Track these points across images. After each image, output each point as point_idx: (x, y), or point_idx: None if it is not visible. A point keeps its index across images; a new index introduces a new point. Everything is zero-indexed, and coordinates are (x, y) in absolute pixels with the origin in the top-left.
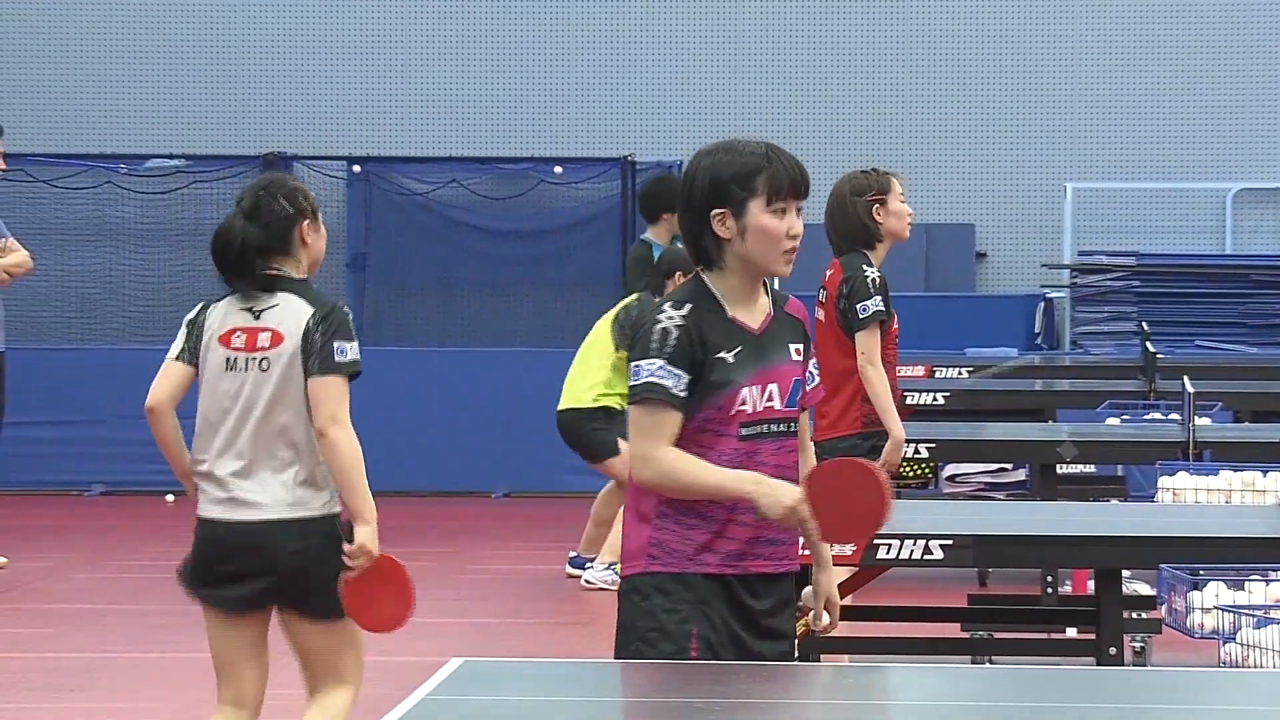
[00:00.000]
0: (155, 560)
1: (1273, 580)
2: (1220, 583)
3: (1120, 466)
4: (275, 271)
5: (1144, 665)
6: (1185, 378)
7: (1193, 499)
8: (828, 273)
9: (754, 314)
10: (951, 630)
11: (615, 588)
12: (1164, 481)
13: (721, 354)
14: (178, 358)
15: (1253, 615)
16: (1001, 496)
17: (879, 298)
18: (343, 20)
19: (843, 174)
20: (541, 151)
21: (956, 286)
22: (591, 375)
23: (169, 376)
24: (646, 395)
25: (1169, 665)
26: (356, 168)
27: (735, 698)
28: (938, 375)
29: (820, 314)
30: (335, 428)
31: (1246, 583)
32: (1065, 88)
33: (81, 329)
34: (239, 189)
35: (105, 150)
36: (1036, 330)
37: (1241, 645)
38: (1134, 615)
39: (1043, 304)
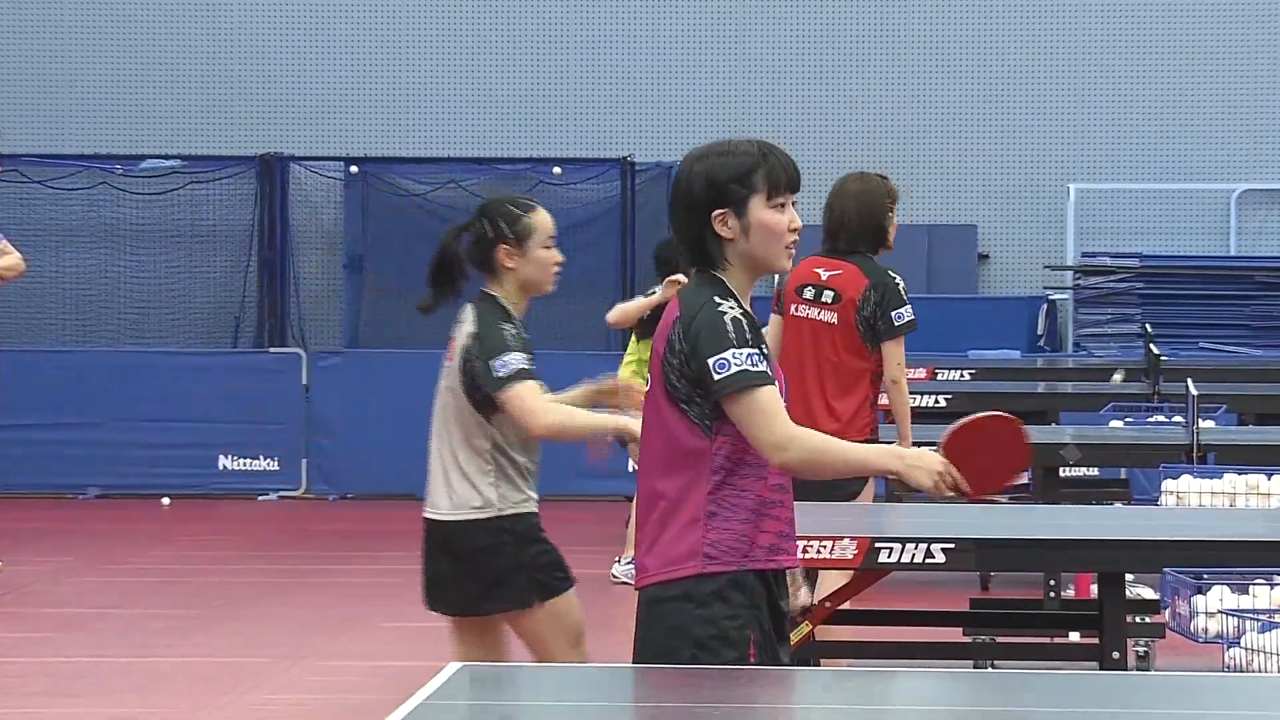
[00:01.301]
0: (153, 564)
1: (1277, 584)
2: (1224, 587)
3: (1123, 469)
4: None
5: (1147, 670)
6: (1189, 380)
7: (1196, 502)
8: (827, 272)
9: (749, 307)
10: (953, 635)
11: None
12: (1167, 485)
13: (762, 345)
14: None
15: (1257, 620)
16: (1004, 500)
17: (910, 306)
18: (340, 19)
19: (843, 174)
20: (540, 152)
21: (958, 288)
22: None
23: None
24: (752, 382)
25: (1172, 670)
26: (354, 168)
27: (737, 702)
28: (940, 377)
29: (821, 314)
30: (533, 424)
31: (1251, 587)
32: (1069, 87)
33: (77, 331)
34: (236, 190)
35: (101, 150)
36: (1039, 332)
37: (1246, 650)
38: (1137, 620)
39: (1045, 306)
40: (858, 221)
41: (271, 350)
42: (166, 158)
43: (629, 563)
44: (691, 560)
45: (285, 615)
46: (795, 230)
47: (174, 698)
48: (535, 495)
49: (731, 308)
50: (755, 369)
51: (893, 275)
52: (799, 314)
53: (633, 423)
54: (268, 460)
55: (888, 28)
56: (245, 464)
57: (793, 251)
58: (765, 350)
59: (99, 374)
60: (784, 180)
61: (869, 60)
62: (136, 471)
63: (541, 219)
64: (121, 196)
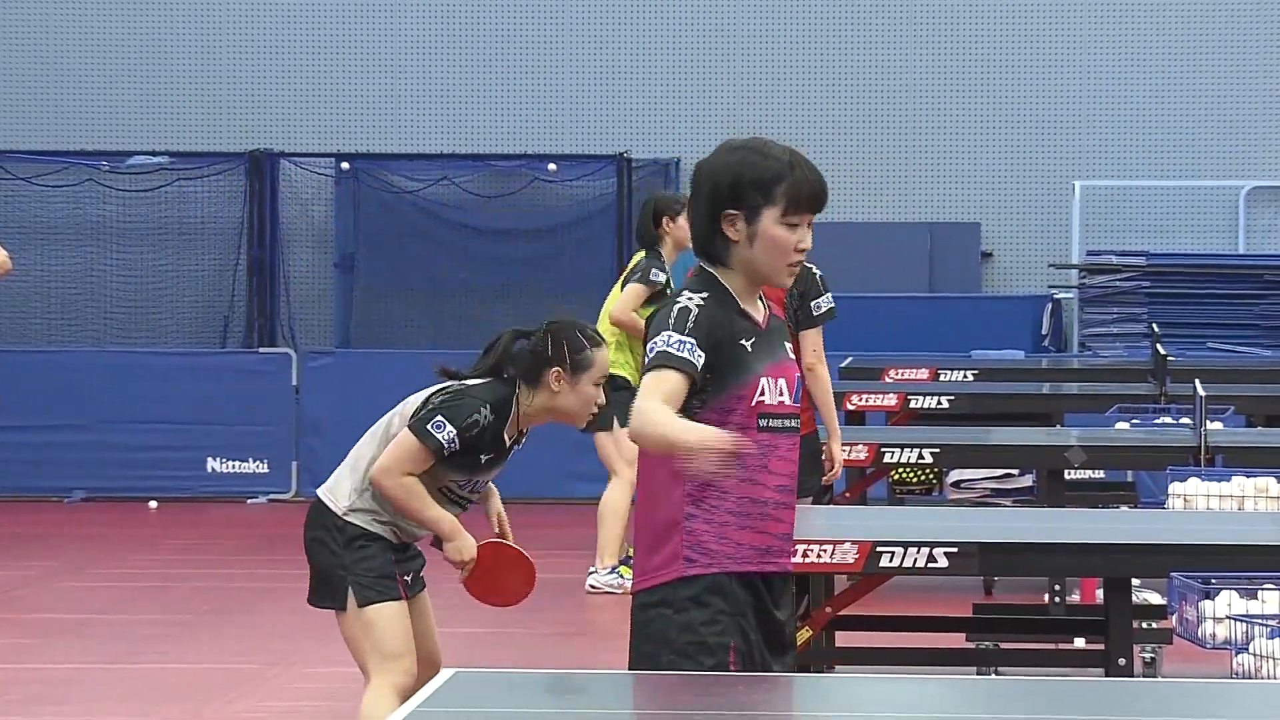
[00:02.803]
0: (140, 569)
1: None
2: (1233, 592)
3: (1130, 472)
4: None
5: (1154, 676)
6: (1197, 381)
7: (1204, 505)
8: None
9: (757, 309)
10: (956, 640)
11: (621, 591)
12: (1175, 487)
13: (741, 341)
14: None
15: (1266, 625)
16: (1008, 503)
17: (829, 295)
18: (331, 13)
19: (845, 174)
20: (535, 148)
21: (961, 287)
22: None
23: None
24: (656, 363)
25: (1180, 676)
26: (345, 165)
27: (736, 709)
28: (942, 378)
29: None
30: (385, 477)
31: (1260, 592)
32: (1073, 82)
33: (62, 330)
34: (225, 186)
35: (87, 147)
36: (1044, 332)
37: (1254, 656)
38: (1144, 625)
39: (1050, 305)
40: None
41: (261, 350)
42: (154, 154)
43: (608, 571)
44: (673, 564)
45: (276, 621)
46: (802, 251)
47: (162, 706)
48: (402, 531)
49: (690, 299)
50: (671, 351)
51: (811, 268)
52: None
53: (457, 542)
54: (257, 462)
55: (889, 22)
56: (234, 466)
57: (795, 270)
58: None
59: (84, 374)
60: (804, 200)
61: (870, 55)
62: (123, 474)
63: (602, 357)
64: (108, 193)
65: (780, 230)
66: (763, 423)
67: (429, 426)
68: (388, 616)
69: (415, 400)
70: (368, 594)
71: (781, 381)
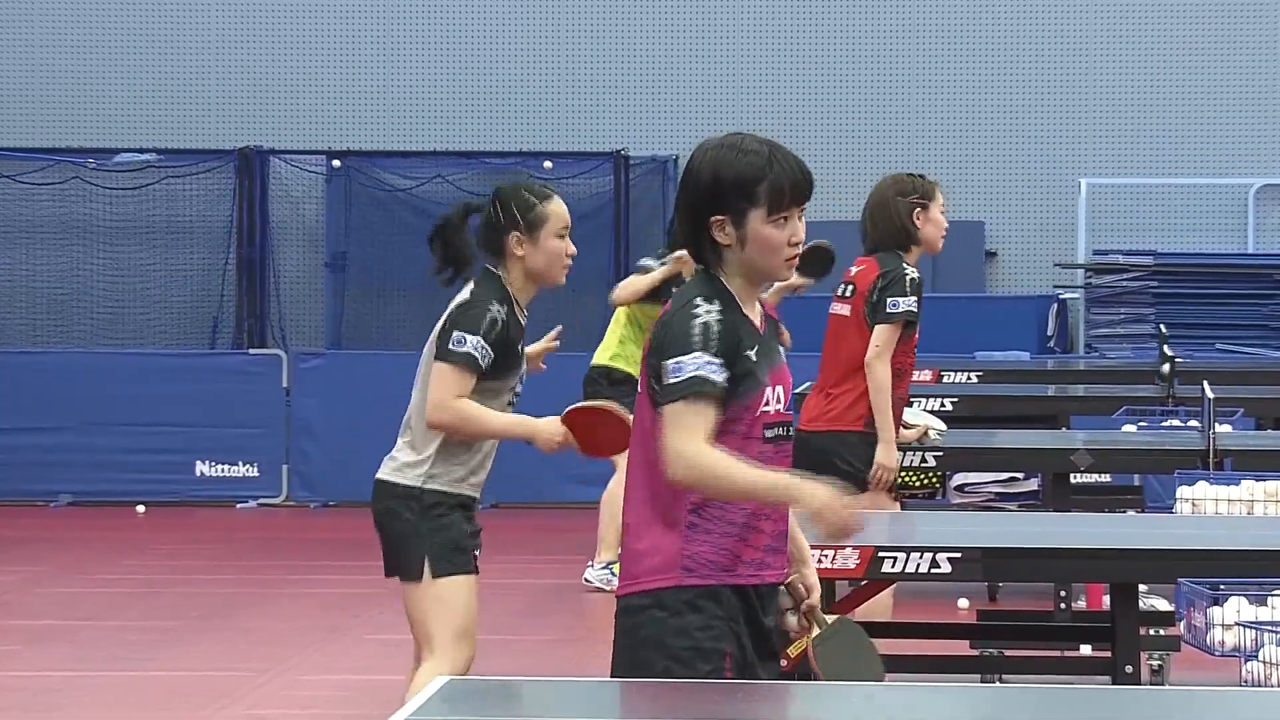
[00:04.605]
0: (128, 573)
1: None
2: (1242, 598)
3: (1137, 476)
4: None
5: (1162, 684)
6: (1205, 382)
7: (1213, 510)
8: (855, 269)
9: (755, 311)
10: (960, 647)
11: (610, 589)
12: (1183, 491)
13: (748, 351)
14: None
15: (1275, 632)
16: (1013, 507)
17: (914, 299)
18: (322, 7)
19: (845, 172)
20: (530, 145)
21: (965, 287)
22: (610, 334)
23: None
24: (693, 391)
25: (1188, 684)
26: (336, 163)
27: (736, 716)
28: (945, 380)
29: (843, 309)
30: (437, 412)
31: (1269, 598)
32: (1079, 79)
33: (48, 331)
34: (213, 184)
35: (73, 144)
36: (1049, 333)
37: (1264, 663)
38: (1151, 632)
39: (1056, 305)
40: (871, 223)
41: (251, 351)
42: (141, 151)
43: (603, 567)
44: (669, 571)
45: (265, 627)
46: (796, 244)
47: (151, 713)
48: (475, 482)
49: (709, 311)
50: (707, 376)
51: (905, 268)
52: (831, 311)
53: (542, 430)
54: (247, 466)
55: (889, 18)
56: (223, 470)
57: (794, 263)
58: (736, 356)
59: (71, 376)
60: (786, 196)
61: (870, 51)
62: (110, 478)
63: (556, 208)
64: (94, 191)
65: (769, 229)
66: (767, 433)
67: (452, 346)
68: (463, 590)
69: (431, 346)
70: (443, 565)
71: (779, 388)
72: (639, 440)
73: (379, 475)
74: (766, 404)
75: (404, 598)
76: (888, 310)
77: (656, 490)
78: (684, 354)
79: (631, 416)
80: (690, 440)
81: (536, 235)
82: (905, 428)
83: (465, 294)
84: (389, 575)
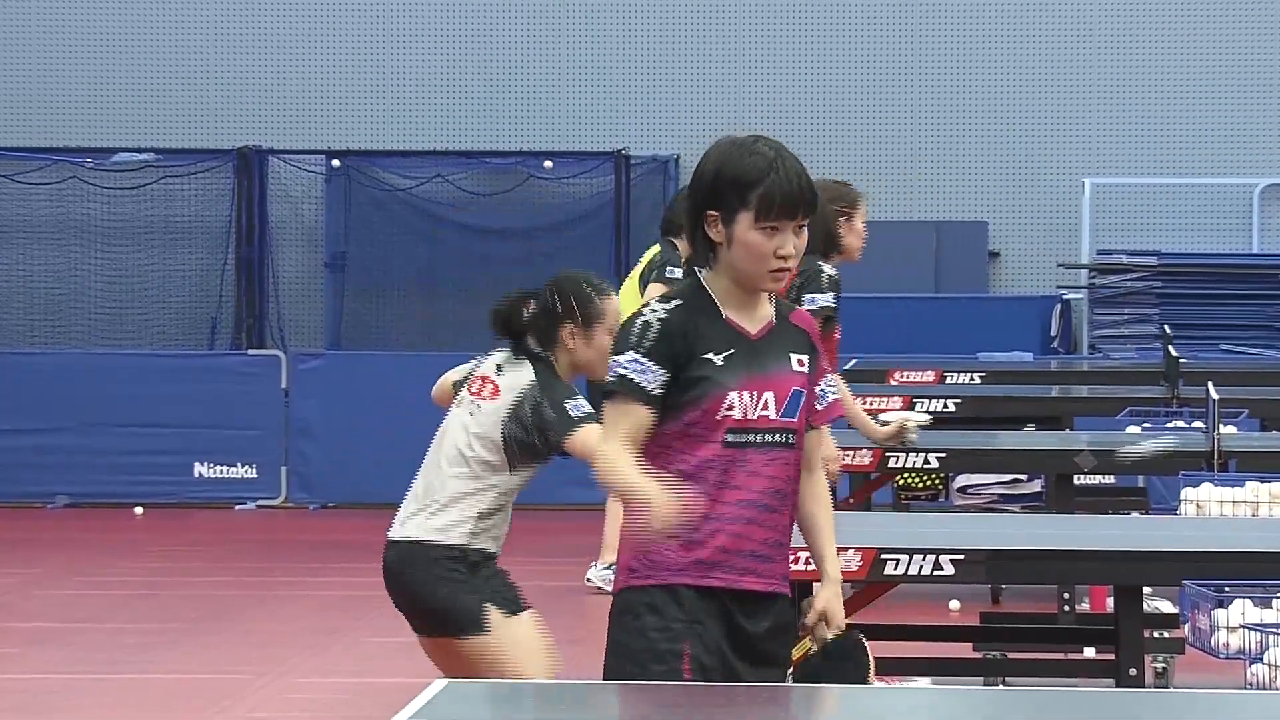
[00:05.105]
0: (126, 576)
1: None
2: (1247, 600)
3: (1141, 477)
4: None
5: (1166, 687)
6: (1209, 383)
7: (1217, 511)
8: None
9: (752, 319)
10: (963, 650)
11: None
12: (1187, 493)
13: (709, 355)
14: None
15: None
16: (1016, 509)
17: (831, 295)
18: (322, 5)
19: (846, 172)
20: (531, 145)
21: (968, 287)
22: None
23: None
24: (615, 389)
25: (1192, 687)
26: (336, 162)
27: None
28: (948, 381)
29: None
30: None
31: (1275, 600)
32: (1083, 77)
33: (46, 332)
34: (212, 184)
35: (70, 143)
36: (1053, 333)
37: (1269, 666)
38: (1155, 634)
39: (1059, 306)
40: None
41: (249, 352)
42: (139, 151)
43: (605, 568)
44: (622, 574)
45: (264, 630)
46: (783, 257)
47: (148, 716)
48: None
49: (654, 311)
50: (629, 375)
51: (823, 265)
52: None
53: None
54: (245, 467)
55: (893, 17)
56: (222, 471)
57: (781, 277)
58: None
59: (69, 377)
60: (775, 206)
61: (873, 50)
62: (108, 479)
63: (612, 304)
64: (92, 191)
65: (755, 235)
66: (730, 438)
67: (574, 413)
68: (531, 625)
69: (496, 410)
70: (511, 606)
71: (767, 395)
72: None
73: (410, 536)
74: (730, 408)
75: (465, 655)
76: (805, 307)
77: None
78: (619, 353)
79: None
80: (606, 438)
81: (592, 330)
82: (880, 425)
83: (529, 373)
84: (434, 635)
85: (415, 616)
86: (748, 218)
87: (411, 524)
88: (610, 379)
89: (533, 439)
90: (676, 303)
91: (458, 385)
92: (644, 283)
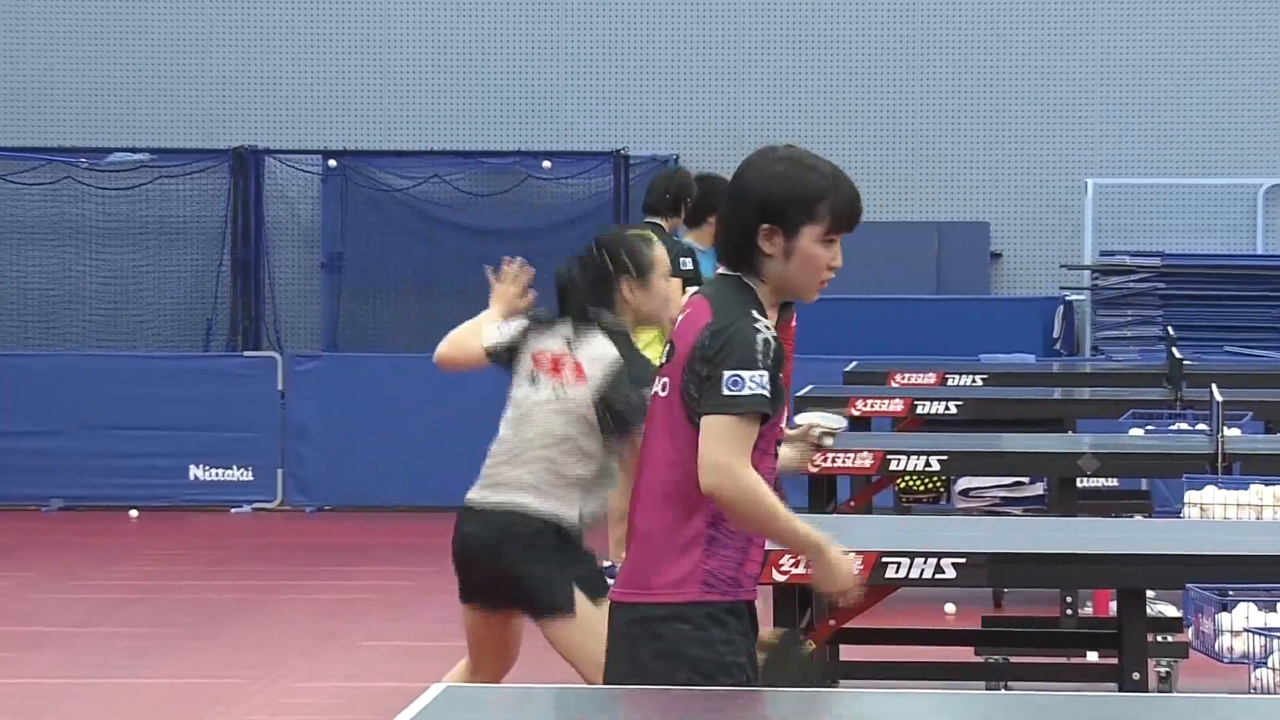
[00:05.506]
0: (121, 579)
1: None
2: (1251, 604)
3: (1144, 480)
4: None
5: (1169, 692)
6: (1213, 385)
7: (1221, 514)
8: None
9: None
10: (965, 654)
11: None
12: (1191, 496)
13: (780, 371)
14: None
15: None
16: (1018, 512)
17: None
18: (319, 6)
19: (848, 171)
20: (529, 145)
21: (970, 288)
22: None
23: None
24: (750, 408)
25: (1196, 692)
26: (332, 162)
27: None
28: (950, 383)
29: None
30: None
31: (1279, 604)
32: (1085, 77)
33: (39, 333)
34: (207, 184)
35: (65, 143)
36: (1055, 335)
37: (1273, 670)
38: (1159, 638)
39: (1062, 307)
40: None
41: (245, 354)
42: (134, 150)
43: (607, 566)
44: (688, 585)
45: (260, 634)
46: (834, 269)
47: None
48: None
49: (766, 328)
50: (766, 395)
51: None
52: None
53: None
54: (241, 470)
55: (894, 16)
56: (218, 474)
57: (824, 287)
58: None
59: (63, 379)
60: (845, 218)
61: (874, 49)
62: (103, 482)
63: (660, 250)
64: (86, 191)
65: (818, 248)
66: (777, 448)
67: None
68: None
69: (583, 394)
70: (596, 590)
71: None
72: (661, 442)
73: (538, 509)
74: (781, 420)
75: (554, 637)
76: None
77: (678, 496)
78: (747, 369)
79: None
80: (736, 457)
81: (648, 279)
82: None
83: (608, 346)
84: (506, 611)
85: (498, 593)
86: (813, 231)
87: (499, 489)
88: (740, 395)
89: (630, 422)
90: (767, 318)
91: (495, 355)
92: None
